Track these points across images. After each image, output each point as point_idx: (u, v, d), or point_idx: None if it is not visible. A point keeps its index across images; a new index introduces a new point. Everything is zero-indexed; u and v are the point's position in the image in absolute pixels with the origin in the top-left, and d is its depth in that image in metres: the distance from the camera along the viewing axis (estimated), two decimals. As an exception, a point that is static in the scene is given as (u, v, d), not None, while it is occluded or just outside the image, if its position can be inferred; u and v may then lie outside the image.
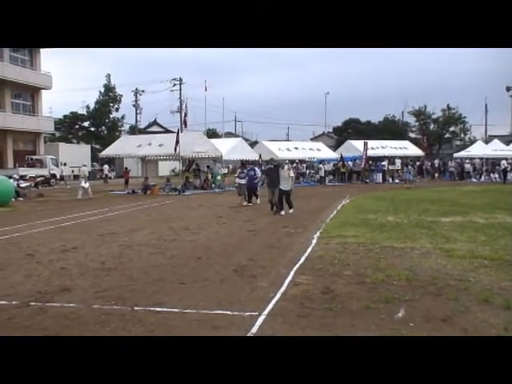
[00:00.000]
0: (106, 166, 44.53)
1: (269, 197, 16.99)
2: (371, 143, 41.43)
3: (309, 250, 9.78)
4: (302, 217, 15.59)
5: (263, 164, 32.99)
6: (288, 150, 39.92)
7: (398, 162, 42.63)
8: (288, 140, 69.66)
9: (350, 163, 39.34)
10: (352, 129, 70.12)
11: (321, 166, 37.52)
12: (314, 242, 10.66)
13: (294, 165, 36.50)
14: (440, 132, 66.05)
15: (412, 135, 65.13)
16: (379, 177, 38.43)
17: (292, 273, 7.87)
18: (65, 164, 44.10)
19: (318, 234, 11.69)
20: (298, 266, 8.37)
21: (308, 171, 39.60)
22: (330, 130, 78.51)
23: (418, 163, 43.91)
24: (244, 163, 23.08)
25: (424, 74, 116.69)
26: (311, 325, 5.44)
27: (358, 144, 41.42)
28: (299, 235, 11.85)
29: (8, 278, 7.89)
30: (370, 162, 40.01)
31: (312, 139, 72.45)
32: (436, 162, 45.47)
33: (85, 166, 29.11)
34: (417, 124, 68.14)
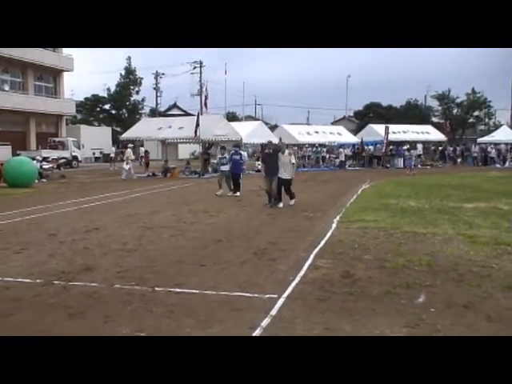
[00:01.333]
0: (142, 148, 43.29)
1: (266, 186, 14.55)
2: (392, 127, 41.02)
3: (328, 234, 9.75)
4: (322, 201, 15.55)
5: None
6: (308, 133, 39.68)
7: (420, 146, 42.20)
8: (308, 124, 69.29)
9: (371, 147, 39.01)
10: (373, 113, 69.49)
11: (341, 150, 37.29)
12: (334, 226, 10.62)
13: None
14: (464, 116, 65.16)
15: (435, 120, 64.28)
16: (400, 162, 38.06)
17: (312, 256, 7.86)
18: (83, 146, 44.16)
19: (337, 218, 11.64)
20: (317, 249, 8.36)
21: (328, 155, 39.36)
22: (351, 114, 77.86)
23: (440, 148, 43.40)
24: (224, 146, 19.27)
25: (449, 56, 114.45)
26: (331, 308, 5.43)
27: (379, 128, 41.02)
28: (319, 219, 11.82)
29: (32, 256, 8.01)
30: (391, 147, 39.64)
31: (333, 123, 71.92)
32: (459, 147, 44.84)
33: (130, 147, 29.25)
34: (440, 108, 67.23)
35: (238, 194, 17.05)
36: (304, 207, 13.84)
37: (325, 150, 39.54)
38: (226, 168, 17.54)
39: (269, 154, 14.90)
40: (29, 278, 6.72)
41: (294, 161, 14.49)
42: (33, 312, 5.40)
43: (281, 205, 14.01)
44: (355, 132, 49.38)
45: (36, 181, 22.70)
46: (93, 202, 15.63)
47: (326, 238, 9.27)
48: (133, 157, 29.41)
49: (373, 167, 37.50)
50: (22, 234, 10.00)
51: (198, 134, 27.29)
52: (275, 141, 36.86)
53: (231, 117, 62.51)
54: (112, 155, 38.28)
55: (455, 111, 66.14)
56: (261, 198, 16.31)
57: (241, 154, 18.06)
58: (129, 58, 61.44)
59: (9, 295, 5.96)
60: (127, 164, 27.20)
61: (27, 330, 4.82)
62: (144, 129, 32.42)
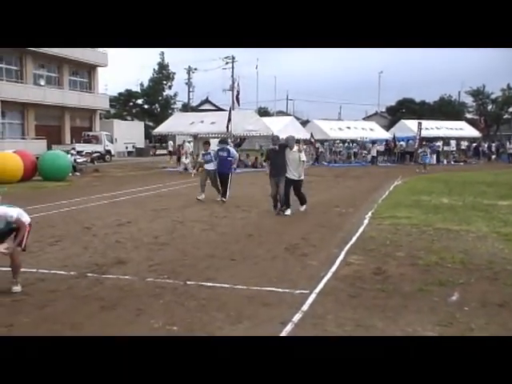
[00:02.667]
0: (170, 143, 43.75)
1: (272, 190, 12.18)
2: (425, 123, 40.35)
3: (360, 230, 9.68)
4: (353, 197, 15.44)
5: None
6: (340, 129, 39.44)
7: (453, 143, 41.48)
8: (340, 119, 68.81)
9: (403, 143, 38.52)
10: (406, 109, 68.61)
11: (372, 145, 36.92)
12: (366, 222, 10.54)
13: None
14: (498, 113, 63.84)
15: (468, 116, 63.16)
16: (433, 158, 37.46)
17: (343, 252, 7.81)
18: (116, 140, 44.67)
19: (369, 214, 11.54)
20: (349, 245, 8.31)
21: (360, 151, 39.01)
22: (383, 110, 77.02)
23: (474, 144, 42.60)
24: (207, 141, 16.12)
25: (484, 51, 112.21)
26: (363, 305, 5.40)
27: (412, 124, 40.46)
28: (350, 215, 11.74)
29: (66, 249, 8.16)
30: (424, 143, 39.06)
31: (364, 119, 71.26)
32: (494, 143, 43.91)
33: (189, 141, 29.44)
34: (474, 104, 66.00)
35: (225, 199, 14.00)
36: (335, 203, 13.77)
37: (356, 145, 39.21)
38: (210, 167, 14.57)
39: (274, 151, 12.41)
40: (63, 270, 6.84)
41: (304, 158, 12.42)
42: (67, 304, 5.50)
43: (288, 212, 11.79)
44: (387, 128, 48.85)
45: (70, 174, 23.09)
46: (125, 195, 15.83)
47: (357, 234, 9.21)
48: (192, 150, 29.73)
49: (405, 163, 37.00)
50: (57, 227, 10.19)
51: (229, 129, 27.39)
52: (306, 136, 37.06)
53: (263, 112, 62.47)
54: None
55: (490, 107, 64.83)
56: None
57: (229, 150, 14.90)
58: (162, 54, 61.88)
59: (44, 287, 6.09)
60: (186, 158, 27.77)
61: (61, 321, 4.92)
62: (176, 123, 32.70)
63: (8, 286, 5.94)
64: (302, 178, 12.18)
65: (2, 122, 36.98)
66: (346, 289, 5.98)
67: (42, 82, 41.26)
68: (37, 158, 21.97)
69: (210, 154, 14.63)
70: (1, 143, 27.64)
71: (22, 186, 18.77)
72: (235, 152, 15.42)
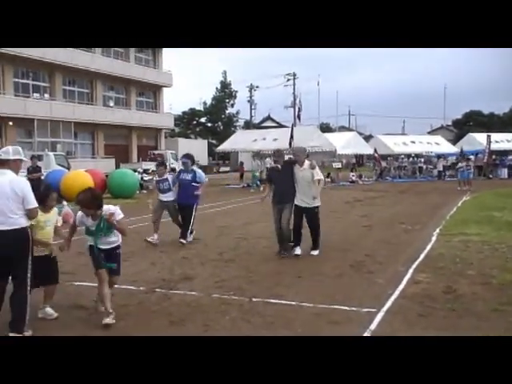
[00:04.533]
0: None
1: (275, 223, 9.25)
2: (495, 136, 39.02)
3: (428, 247, 9.43)
4: (420, 213, 15.08)
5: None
6: (404, 144, 38.78)
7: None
8: (404, 134, 67.59)
9: (472, 157, 37.31)
10: (473, 121, 66.62)
11: (438, 159, 35.97)
12: (434, 239, 10.26)
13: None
14: None
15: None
16: (504, 172, 36.04)
17: (411, 270, 7.63)
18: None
19: (437, 230, 11.23)
20: (416, 263, 8.11)
21: (425, 166, 38.11)
22: (449, 123, 75.11)
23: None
24: (162, 161, 12.91)
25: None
26: (433, 325, 5.24)
27: (481, 137, 39.19)
28: (417, 232, 11.46)
29: (135, 265, 8.38)
30: (494, 157, 37.72)
31: (429, 132, 69.70)
32: None
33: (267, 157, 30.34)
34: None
35: (185, 241, 10.23)
36: (401, 219, 13.48)
37: (422, 160, 38.36)
38: (168, 197, 10.53)
39: (276, 170, 9.37)
40: (133, 285, 7.03)
41: (319, 176, 9.02)
42: (138, 318, 5.65)
43: (298, 251, 8.93)
44: (454, 141, 47.54)
45: (137, 192, 23.75)
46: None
47: (425, 252, 8.98)
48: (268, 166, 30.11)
49: (474, 178, 35.81)
50: (125, 243, 10.43)
51: (292, 145, 27.45)
52: (368, 151, 36.59)
53: (324, 128, 62.43)
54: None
55: None
56: (356, 210, 16.02)
57: (194, 172, 10.56)
58: (224, 72, 63.16)
59: (116, 301, 6.25)
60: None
61: (133, 335, 5.03)
62: (239, 141, 33.11)
63: (84, 302, 6.19)
64: (318, 204, 9.08)
65: (74, 143, 38.63)
66: (414, 308, 5.83)
67: (111, 103, 42.95)
68: (106, 176, 22.76)
69: (167, 180, 10.58)
70: (73, 162, 28.87)
71: (92, 203, 19.43)
72: (203, 175, 10.82)
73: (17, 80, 35.66)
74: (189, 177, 10.37)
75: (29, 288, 5.05)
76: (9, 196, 4.81)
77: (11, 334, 4.85)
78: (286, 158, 9.95)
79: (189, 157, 10.85)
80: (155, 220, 10.58)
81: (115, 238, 5.75)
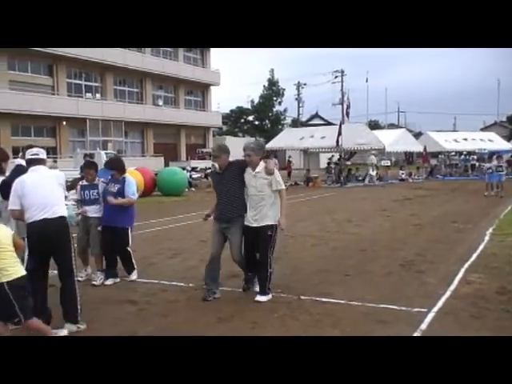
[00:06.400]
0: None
1: (210, 245, 6.61)
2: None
3: (481, 247, 9.18)
4: (472, 212, 14.70)
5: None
6: (456, 141, 37.76)
7: None
8: (455, 131, 65.93)
9: (505, 156, 36.02)
10: (529, 117, 64.35)
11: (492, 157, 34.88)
12: (487, 238, 9.98)
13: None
14: None
15: None
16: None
17: (463, 270, 7.45)
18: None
19: (490, 230, 10.92)
20: (469, 263, 7.91)
21: (478, 164, 37.03)
22: (504, 119, 72.75)
23: None
24: (92, 162, 8.03)
25: None
26: (486, 326, 5.11)
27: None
28: (469, 231, 11.18)
29: (184, 261, 8.52)
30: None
31: (482, 129, 67.74)
32: None
33: (373, 154, 30.04)
34: None
35: (134, 277, 7.32)
36: (452, 218, 13.17)
37: (475, 157, 37.32)
38: (94, 213, 7.31)
39: (217, 174, 6.70)
40: (182, 281, 7.14)
41: (279, 185, 6.25)
42: (187, 314, 5.74)
43: (256, 288, 6.39)
44: (508, 138, 46.06)
45: (186, 190, 24.08)
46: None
47: (478, 251, 8.75)
48: (375, 162, 30.91)
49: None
50: (174, 240, 10.66)
51: (340, 143, 27.28)
52: (418, 148, 35.61)
53: (373, 125, 61.59)
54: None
55: None
56: (405, 208, 15.75)
57: (124, 180, 7.40)
58: (272, 71, 63.10)
59: (165, 297, 6.39)
60: (373, 170, 29.77)
61: (182, 330, 5.12)
62: (287, 138, 33.09)
63: (133, 297, 6.33)
64: (272, 222, 6.19)
65: (124, 141, 39.52)
66: (466, 308, 5.70)
67: (160, 102, 43.69)
68: (155, 174, 23.16)
69: (96, 187, 7.40)
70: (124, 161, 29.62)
71: (142, 201, 19.73)
72: (134, 187, 7.49)
73: (70, 81, 36.76)
74: (120, 185, 7.31)
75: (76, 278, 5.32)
76: (53, 187, 5.20)
77: (67, 325, 5.08)
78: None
79: (116, 162, 7.93)
80: (80, 250, 7.17)
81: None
